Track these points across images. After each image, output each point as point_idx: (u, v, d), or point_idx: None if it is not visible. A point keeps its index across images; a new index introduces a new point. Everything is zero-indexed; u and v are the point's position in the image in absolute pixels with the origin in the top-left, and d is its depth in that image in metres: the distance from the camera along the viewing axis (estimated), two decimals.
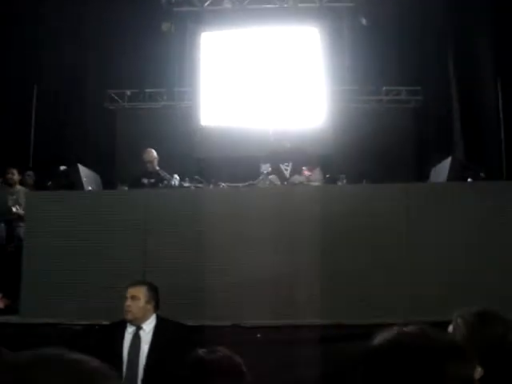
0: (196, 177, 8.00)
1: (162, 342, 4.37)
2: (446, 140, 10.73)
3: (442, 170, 7.10)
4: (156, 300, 4.59)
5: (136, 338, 4.46)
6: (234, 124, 11.62)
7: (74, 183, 6.85)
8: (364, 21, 11.39)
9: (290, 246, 5.86)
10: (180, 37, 12.10)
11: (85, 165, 7.35)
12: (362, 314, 5.48)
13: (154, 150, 8.26)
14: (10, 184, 8.23)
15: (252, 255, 5.84)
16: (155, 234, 6.00)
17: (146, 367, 4.28)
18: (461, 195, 6.05)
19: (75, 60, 11.14)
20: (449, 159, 7.00)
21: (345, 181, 7.65)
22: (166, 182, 7.74)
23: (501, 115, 10.05)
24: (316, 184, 7.11)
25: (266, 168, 7.19)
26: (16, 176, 8.33)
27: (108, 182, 8.28)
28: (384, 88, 11.77)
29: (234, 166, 9.96)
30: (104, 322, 5.00)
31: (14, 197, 8.02)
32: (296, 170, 7.41)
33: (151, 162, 8.14)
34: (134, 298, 4.49)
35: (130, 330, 4.50)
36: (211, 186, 7.63)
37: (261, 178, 7.18)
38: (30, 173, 9.12)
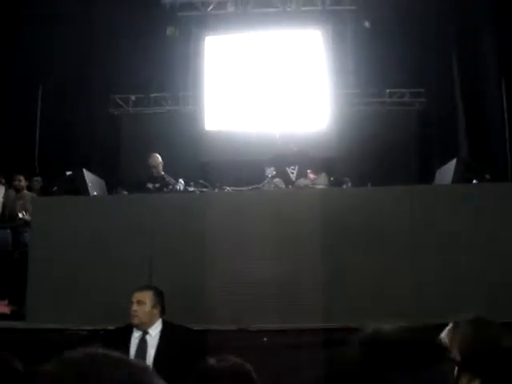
0: (201, 181, 8.00)
1: (169, 346, 4.37)
2: (450, 142, 10.72)
3: (446, 172, 7.09)
4: (162, 305, 4.60)
5: (142, 343, 4.47)
6: (238, 128, 11.63)
7: (80, 188, 6.86)
8: (367, 24, 11.39)
9: (296, 248, 5.85)
10: (184, 41, 12.13)
11: (90, 170, 7.37)
12: (367, 316, 5.47)
13: (158, 155, 8.28)
14: (17, 190, 8.30)
15: (258, 259, 5.84)
16: (161, 239, 6.00)
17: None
18: (466, 197, 6.04)
19: (80, 65, 11.17)
20: (454, 161, 6.98)
21: (349, 184, 7.65)
22: (171, 186, 7.76)
23: (505, 116, 10.03)
24: (321, 187, 7.10)
25: (270, 171, 7.19)
26: (23, 182, 8.42)
27: (113, 187, 8.29)
28: (387, 90, 11.76)
29: (239, 169, 9.97)
30: (110, 327, 5.00)
31: (21, 202, 8.07)
32: (302, 174, 7.41)
33: (156, 166, 8.16)
34: (140, 302, 4.51)
35: (136, 335, 4.51)
36: (216, 190, 7.63)
37: (266, 181, 7.18)
38: (38, 178, 9.18)
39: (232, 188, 7.47)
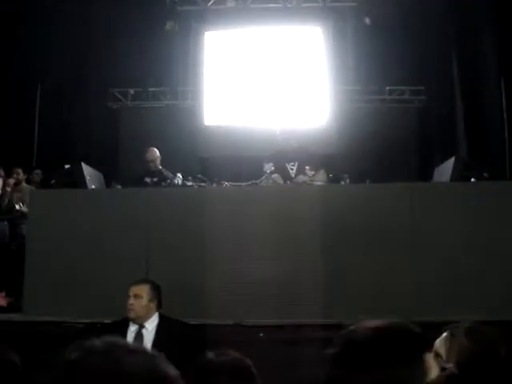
0: (199, 176, 8.00)
1: (165, 340, 4.36)
2: (449, 140, 10.73)
3: (445, 170, 7.09)
4: (159, 298, 4.60)
5: (139, 337, 4.47)
6: (237, 123, 11.62)
7: (77, 182, 6.86)
8: (367, 20, 11.39)
9: (294, 244, 5.85)
10: (184, 36, 12.11)
11: (88, 163, 7.36)
12: (365, 313, 5.46)
13: (156, 149, 8.27)
14: (15, 183, 8.31)
15: (255, 254, 5.84)
16: (158, 233, 6.00)
17: None
18: (464, 195, 6.04)
19: (79, 59, 11.15)
20: (452, 159, 6.99)
21: (348, 180, 7.65)
22: (168, 180, 7.75)
23: (504, 115, 10.04)
24: (319, 183, 7.10)
25: (269, 167, 7.19)
26: (21, 175, 8.43)
27: (111, 180, 8.29)
28: (387, 88, 11.76)
29: (238, 165, 9.97)
30: (106, 321, 5.00)
31: (19, 194, 8.07)
32: (301, 170, 7.41)
33: (154, 161, 8.15)
34: (136, 296, 4.50)
35: (132, 329, 4.51)
36: (214, 185, 7.63)
37: (264, 177, 7.18)
38: (38, 171, 9.18)
39: (230, 183, 7.47)
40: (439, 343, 2.17)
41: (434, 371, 1.42)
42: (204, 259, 5.84)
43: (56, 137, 10.95)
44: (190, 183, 7.68)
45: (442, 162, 7.42)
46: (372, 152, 10.49)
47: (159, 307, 4.60)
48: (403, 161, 10.77)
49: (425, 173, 9.16)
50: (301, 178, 7.32)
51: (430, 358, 1.40)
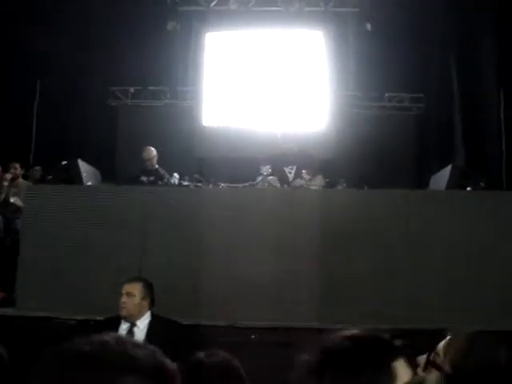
0: (196, 176, 8.00)
1: (156, 339, 4.35)
2: (446, 148, 10.74)
3: (441, 178, 7.11)
4: (151, 297, 4.60)
5: (130, 335, 4.46)
6: (235, 125, 11.61)
7: (74, 178, 6.86)
8: (369, 26, 11.40)
9: (289, 248, 5.86)
10: (185, 36, 12.10)
11: (85, 160, 7.36)
12: (359, 318, 5.48)
13: (153, 148, 8.27)
14: (12, 178, 8.30)
15: (249, 256, 5.85)
16: (153, 231, 6.00)
17: None
18: (461, 204, 6.06)
19: (79, 56, 11.14)
20: (449, 167, 7.01)
21: (345, 185, 7.66)
22: (165, 180, 7.75)
23: (502, 126, 10.06)
24: (315, 188, 7.11)
25: (266, 170, 7.20)
26: (19, 170, 8.43)
27: (108, 177, 8.29)
28: (387, 94, 11.77)
29: (235, 166, 9.96)
30: (99, 318, 5.00)
31: (16, 190, 8.06)
32: (299, 174, 7.42)
33: (150, 159, 8.15)
34: (129, 294, 4.50)
35: (123, 327, 4.51)
36: (210, 186, 7.63)
37: (260, 178, 7.18)
38: (38, 168, 9.17)
39: (226, 184, 7.47)
40: (442, 343, 2.16)
41: (404, 378, 1.42)
42: (198, 259, 5.85)
43: (54, 134, 10.93)
44: (186, 183, 7.69)
45: (439, 170, 7.44)
46: (370, 158, 10.49)
47: (151, 306, 4.60)
48: (400, 167, 10.79)
49: (421, 179, 9.17)
50: (298, 181, 7.32)
51: (400, 365, 1.41)
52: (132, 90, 12.01)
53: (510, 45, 10.24)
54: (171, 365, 1.07)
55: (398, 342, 1.43)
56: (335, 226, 5.91)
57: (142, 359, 1.02)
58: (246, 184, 7.26)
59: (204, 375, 2.27)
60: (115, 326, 4.49)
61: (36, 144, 10.84)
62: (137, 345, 1.06)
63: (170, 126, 11.33)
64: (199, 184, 7.64)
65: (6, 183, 8.38)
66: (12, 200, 7.82)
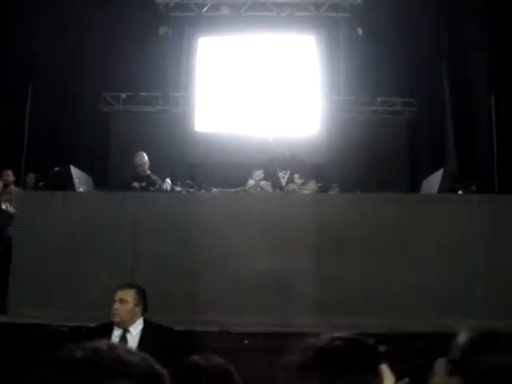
0: (188, 181, 8.00)
1: (149, 345, 4.34)
2: (438, 152, 10.78)
3: (433, 182, 7.13)
4: (144, 303, 4.59)
5: (123, 341, 4.44)
6: (227, 130, 11.61)
7: (66, 184, 6.85)
8: (360, 31, 11.44)
9: (282, 253, 5.87)
10: (177, 41, 12.10)
11: (77, 166, 7.34)
12: (355, 323, 5.48)
13: (144, 154, 8.27)
14: (4, 185, 8.28)
15: (243, 262, 5.85)
16: (145, 238, 5.99)
17: None
18: (453, 207, 6.08)
19: (71, 61, 11.13)
20: (440, 171, 7.03)
21: (337, 189, 7.67)
22: (157, 185, 7.75)
23: (494, 129, 10.09)
24: (307, 192, 7.12)
25: (258, 174, 7.20)
26: (11, 177, 8.40)
27: (100, 184, 8.27)
28: (379, 99, 11.80)
29: (227, 172, 9.95)
30: (91, 324, 4.99)
31: (8, 196, 8.03)
32: (292, 179, 7.43)
33: (142, 165, 8.15)
34: (122, 301, 4.49)
35: (116, 333, 4.50)
36: (203, 191, 7.63)
37: (253, 183, 7.18)
38: (32, 175, 9.12)
39: (219, 189, 7.47)
40: (457, 342, 2.10)
41: (389, 382, 1.43)
42: (190, 265, 5.84)
43: (46, 138, 10.90)
44: (178, 188, 7.68)
45: (431, 174, 7.46)
46: (362, 162, 10.51)
47: (144, 312, 4.59)
48: (393, 171, 10.80)
49: (414, 183, 9.19)
50: (290, 186, 7.33)
51: (385, 369, 1.42)
52: (124, 95, 11.99)
53: (500, 48, 10.29)
54: (162, 370, 1.08)
55: (381, 348, 1.44)
56: (327, 231, 5.91)
57: (134, 364, 1.03)
58: (239, 189, 7.26)
59: (198, 378, 2.27)
60: (108, 332, 4.47)
61: (28, 150, 10.80)
62: (129, 351, 1.06)
63: (163, 131, 11.31)
64: (191, 189, 7.63)
65: None
66: (4, 207, 7.79)
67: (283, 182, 7.45)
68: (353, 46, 11.63)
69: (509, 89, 10.30)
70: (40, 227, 6.08)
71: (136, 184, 7.81)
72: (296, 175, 7.37)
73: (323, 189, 7.69)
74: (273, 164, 7.56)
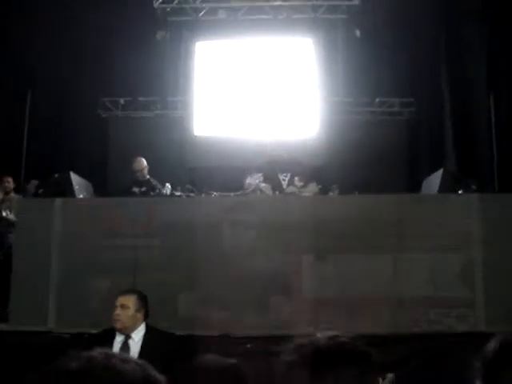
0: (188, 186, 8.00)
1: (151, 351, 4.34)
2: (438, 152, 10.77)
3: (433, 182, 7.13)
4: (146, 309, 4.58)
5: (125, 347, 4.44)
6: (226, 134, 11.61)
7: (66, 191, 6.85)
8: (358, 33, 11.44)
9: (281, 255, 5.86)
10: (174, 46, 12.11)
11: (77, 173, 7.34)
12: (356, 324, 5.48)
13: (143, 159, 8.27)
14: (5, 192, 8.27)
15: (244, 266, 5.84)
16: (146, 243, 5.98)
17: None
18: (452, 207, 6.06)
19: (70, 67, 11.13)
20: (440, 171, 7.03)
21: (337, 191, 7.67)
22: (157, 190, 7.75)
23: (493, 129, 10.08)
24: (307, 195, 7.12)
25: (258, 177, 7.20)
26: (11, 184, 8.39)
27: (100, 189, 8.27)
28: (377, 100, 11.80)
29: (226, 175, 9.95)
30: (93, 331, 4.98)
31: (8, 204, 8.03)
32: (292, 181, 7.44)
33: (141, 170, 8.15)
34: (123, 306, 4.48)
35: (118, 339, 4.49)
36: (203, 196, 7.63)
37: (251, 182, 7.18)
38: (35, 181, 9.12)
39: (219, 193, 7.47)
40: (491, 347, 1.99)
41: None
42: (191, 270, 5.83)
43: (45, 144, 10.89)
44: (178, 193, 7.68)
45: (431, 174, 7.45)
46: (361, 163, 10.50)
47: (146, 317, 4.58)
48: (392, 172, 10.79)
49: (413, 184, 9.19)
50: (290, 188, 7.33)
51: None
52: (122, 101, 11.99)
53: (500, 48, 10.29)
54: (160, 377, 1.08)
55: (372, 352, 1.44)
56: (327, 233, 5.90)
57: (129, 373, 1.02)
58: (238, 193, 7.26)
59: (214, 376, 2.26)
60: (110, 338, 4.47)
61: (27, 156, 10.79)
62: (125, 359, 1.06)
63: (161, 136, 11.31)
64: (191, 194, 7.63)
65: None
66: (4, 214, 7.78)
67: (284, 184, 7.46)
68: (351, 48, 11.63)
69: (508, 89, 10.29)
70: (40, 234, 6.06)
71: (136, 189, 7.81)
72: (296, 178, 7.37)
73: (323, 191, 7.69)
74: (272, 167, 7.56)
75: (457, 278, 5.70)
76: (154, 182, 7.99)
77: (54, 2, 10.72)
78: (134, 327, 4.50)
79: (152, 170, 8.26)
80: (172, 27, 12.10)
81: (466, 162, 10.23)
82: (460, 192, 6.68)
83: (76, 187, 6.93)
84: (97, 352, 1.06)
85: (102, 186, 9.05)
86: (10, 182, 8.40)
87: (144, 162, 8.21)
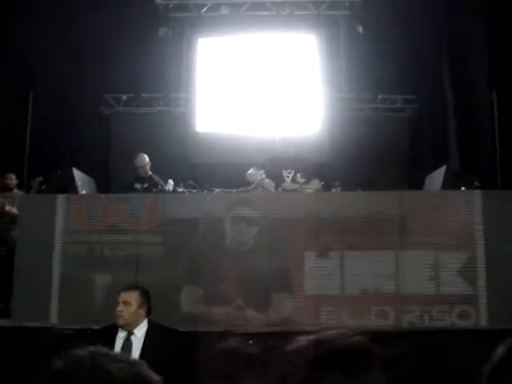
0: (190, 182, 8.00)
1: (154, 347, 4.35)
2: (440, 148, 10.76)
3: (436, 179, 7.13)
4: (148, 305, 4.58)
5: (127, 344, 4.44)
6: (229, 130, 11.60)
7: (69, 187, 6.85)
8: (360, 29, 11.42)
9: (283, 251, 5.86)
10: (177, 42, 12.09)
11: (79, 169, 7.34)
12: (360, 320, 5.49)
13: (145, 155, 8.26)
14: (9, 189, 8.29)
15: (246, 263, 5.84)
16: (149, 238, 5.99)
17: None
18: (455, 204, 6.06)
19: (70, 66, 11.12)
20: (443, 168, 7.02)
21: (339, 188, 7.67)
22: (159, 186, 7.75)
23: (496, 126, 10.07)
24: (310, 191, 7.12)
25: (260, 174, 7.20)
26: (14, 181, 8.40)
27: (103, 186, 8.27)
28: (380, 96, 11.78)
29: (229, 172, 9.95)
30: (96, 327, 4.98)
31: (10, 200, 8.04)
32: (294, 178, 7.44)
33: (143, 167, 8.15)
34: (126, 303, 4.48)
35: (121, 335, 4.49)
36: (205, 192, 7.63)
37: (252, 172, 7.18)
38: (40, 178, 9.12)
39: (221, 190, 7.47)
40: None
41: None
42: (193, 266, 5.84)
43: (47, 141, 10.89)
44: (181, 189, 7.68)
45: (434, 171, 7.45)
46: (364, 160, 10.48)
47: (148, 313, 4.58)
48: (395, 169, 10.79)
49: (416, 181, 9.17)
50: (292, 185, 7.33)
51: None
52: (125, 97, 11.97)
53: (502, 45, 10.27)
54: (154, 377, 1.06)
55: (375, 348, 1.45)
56: (330, 229, 5.90)
57: (117, 373, 1.01)
58: (240, 189, 7.26)
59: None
60: (112, 334, 4.47)
61: (29, 153, 10.79)
62: (115, 358, 1.04)
63: (164, 132, 11.29)
64: (193, 190, 7.64)
65: (2, 194, 8.36)
66: (7, 208, 7.79)
67: (288, 180, 7.46)
68: (353, 44, 11.61)
69: (510, 86, 10.28)
70: (43, 230, 6.07)
71: (138, 185, 7.81)
72: (298, 174, 7.38)
73: (326, 187, 7.69)
74: (276, 163, 7.57)
75: (459, 274, 5.70)
76: (157, 178, 7.99)
77: (53, 1, 10.70)
78: (136, 323, 4.50)
79: (154, 166, 8.26)
80: (174, 23, 12.08)
81: (468, 159, 10.22)
82: (463, 189, 6.67)
83: (79, 183, 6.93)
84: (84, 351, 1.04)
85: (104, 183, 9.05)
86: (12, 179, 8.42)
87: (146, 158, 8.21)
